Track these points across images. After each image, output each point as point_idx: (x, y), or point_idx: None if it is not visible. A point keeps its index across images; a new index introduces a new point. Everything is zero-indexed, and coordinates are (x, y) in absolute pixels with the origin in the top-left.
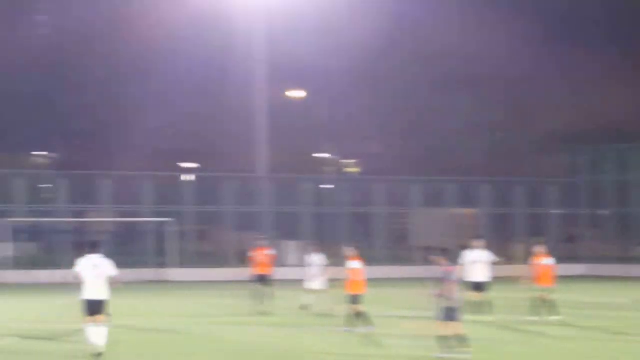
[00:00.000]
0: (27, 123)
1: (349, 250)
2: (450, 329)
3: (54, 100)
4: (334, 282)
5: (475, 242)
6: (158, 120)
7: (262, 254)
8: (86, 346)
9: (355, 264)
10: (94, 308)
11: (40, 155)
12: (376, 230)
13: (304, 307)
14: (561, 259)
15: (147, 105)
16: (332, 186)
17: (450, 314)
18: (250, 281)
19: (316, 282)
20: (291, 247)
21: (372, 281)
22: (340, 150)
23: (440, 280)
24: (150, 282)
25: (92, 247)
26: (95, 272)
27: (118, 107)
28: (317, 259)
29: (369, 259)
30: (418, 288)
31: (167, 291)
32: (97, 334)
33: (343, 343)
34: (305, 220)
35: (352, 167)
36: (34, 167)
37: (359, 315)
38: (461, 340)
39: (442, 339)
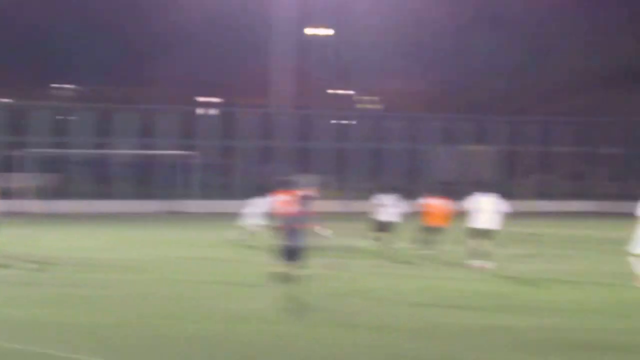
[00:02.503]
0: (50, 55)
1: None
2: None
3: (77, 32)
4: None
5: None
6: (181, 54)
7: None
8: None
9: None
10: None
11: (62, 88)
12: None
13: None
14: (568, 195)
15: (172, 40)
16: (351, 122)
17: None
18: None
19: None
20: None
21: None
22: (361, 87)
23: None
24: (170, 212)
25: None
26: None
27: (141, 41)
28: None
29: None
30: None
31: (187, 222)
32: None
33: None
34: (322, 156)
35: (372, 104)
36: (56, 99)
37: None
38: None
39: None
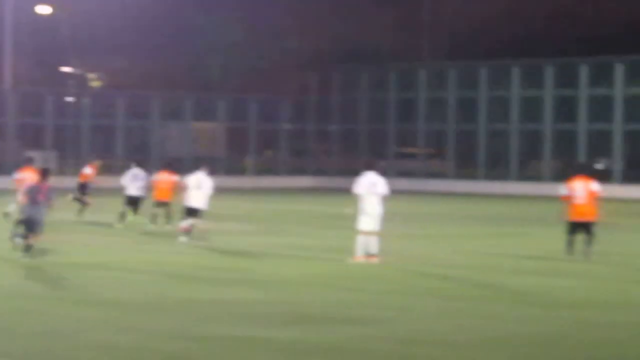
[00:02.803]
0: None
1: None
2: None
3: None
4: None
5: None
6: None
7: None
8: None
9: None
10: None
11: None
12: (118, 143)
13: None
14: (290, 171)
15: None
16: (74, 99)
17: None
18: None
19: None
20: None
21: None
22: (85, 64)
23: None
24: None
25: None
26: None
27: None
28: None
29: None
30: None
31: None
32: None
33: None
34: (48, 132)
35: (96, 81)
36: None
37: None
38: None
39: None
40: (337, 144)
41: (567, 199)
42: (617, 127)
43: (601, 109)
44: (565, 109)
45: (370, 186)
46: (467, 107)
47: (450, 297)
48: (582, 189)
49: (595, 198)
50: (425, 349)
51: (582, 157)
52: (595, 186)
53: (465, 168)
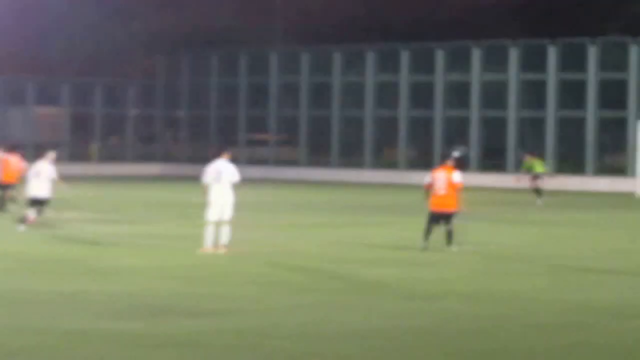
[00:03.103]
0: None
1: None
2: None
3: None
4: None
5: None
6: None
7: None
8: None
9: None
10: None
11: None
12: None
13: None
14: (137, 158)
15: None
16: None
17: None
18: None
19: None
20: None
21: None
22: None
23: None
24: None
25: None
26: None
27: None
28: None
29: None
30: None
31: None
32: None
33: None
34: None
35: None
36: None
37: None
38: None
39: None
40: (186, 130)
41: (429, 188)
42: (474, 113)
43: (458, 95)
44: (422, 95)
45: (219, 174)
46: (321, 92)
47: (305, 289)
48: (443, 179)
49: (456, 189)
50: (277, 341)
51: (438, 144)
52: (456, 177)
53: (319, 155)
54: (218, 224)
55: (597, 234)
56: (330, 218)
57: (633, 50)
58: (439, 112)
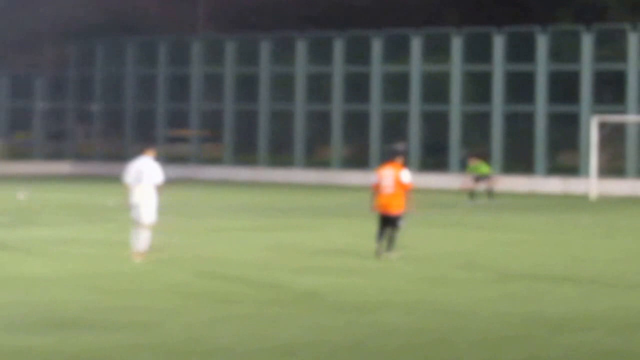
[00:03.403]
0: None
1: None
2: None
3: None
4: None
5: None
6: None
7: None
8: None
9: None
10: None
11: None
12: None
13: None
14: (46, 156)
15: None
16: None
17: None
18: None
19: None
20: None
21: None
22: None
23: None
24: None
25: None
26: None
27: None
28: None
29: None
30: None
31: None
32: None
33: None
34: None
35: None
36: None
37: None
38: None
39: None
40: (100, 126)
41: (376, 188)
42: (414, 107)
43: (396, 87)
44: (357, 88)
45: (140, 174)
46: (247, 84)
47: (230, 300)
48: (390, 177)
49: (403, 189)
50: (198, 358)
51: (375, 141)
52: (405, 176)
53: (245, 153)
54: (140, 228)
55: (548, 239)
56: (258, 221)
57: (586, 40)
58: (375, 106)
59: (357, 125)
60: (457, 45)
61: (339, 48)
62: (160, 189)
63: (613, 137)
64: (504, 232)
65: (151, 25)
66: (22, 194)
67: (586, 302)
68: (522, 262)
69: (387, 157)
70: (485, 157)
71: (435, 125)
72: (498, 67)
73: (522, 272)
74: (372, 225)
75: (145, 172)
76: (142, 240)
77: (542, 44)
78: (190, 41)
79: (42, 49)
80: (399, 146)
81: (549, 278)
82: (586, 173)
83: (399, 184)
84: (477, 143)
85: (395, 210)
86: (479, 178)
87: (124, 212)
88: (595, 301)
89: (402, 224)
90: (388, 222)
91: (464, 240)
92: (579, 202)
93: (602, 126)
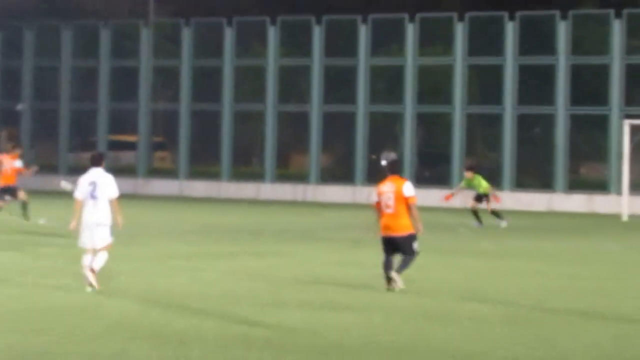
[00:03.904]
0: None
1: None
2: None
3: None
4: None
5: None
6: None
7: None
8: None
9: None
10: None
11: None
12: None
13: None
14: None
15: None
16: None
17: None
18: None
19: None
20: None
21: None
22: None
23: None
24: None
25: None
26: None
27: None
28: None
29: None
30: None
31: None
32: None
33: None
34: None
35: None
36: None
37: None
38: None
39: None
40: (28, 128)
41: (377, 208)
42: (409, 109)
43: (386, 84)
44: (339, 84)
45: (94, 188)
46: (207, 79)
47: (181, 340)
48: (391, 194)
49: (408, 205)
50: None
51: (360, 148)
52: (407, 189)
53: (203, 164)
54: (93, 252)
55: (567, 269)
56: (220, 246)
57: (615, 28)
58: (361, 108)
59: (338, 129)
60: (460, 33)
61: (317, 37)
62: (116, 205)
63: None
64: (514, 260)
65: (92, 9)
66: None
67: (619, 346)
68: (535, 296)
69: (380, 170)
70: (481, 168)
71: (434, 130)
72: (509, 60)
73: (535, 307)
74: (358, 251)
75: (99, 186)
76: (98, 260)
77: (562, 32)
78: (138, 27)
79: None
80: (388, 156)
81: (569, 315)
82: (616, 189)
83: (402, 200)
84: (480, 152)
85: (401, 231)
86: (480, 196)
87: (65, 233)
88: (630, 345)
89: (416, 246)
90: (395, 247)
91: (466, 269)
92: (607, 223)
93: (635, 132)
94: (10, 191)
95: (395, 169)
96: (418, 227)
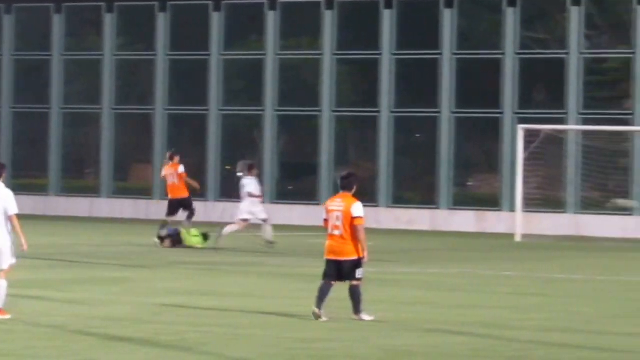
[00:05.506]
0: None
1: None
2: None
3: None
4: None
5: None
6: None
7: None
8: None
9: None
10: None
11: None
12: None
13: None
14: None
15: None
16: None
17: None
18: None
19: None
20: None
21: None
22: None
23: None
24: None
25: None
26: None
27: None
28: None
29: None
30: None
31: None
32: None
33: None
34: None
35: None
36: None
37: None
38: None
39: None
40: None
41: (325, 227)
42: (269, 110)
43: (243, 82)
44: (187, 83)
45: None
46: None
47: None
48: (339, 213)
49: (353, 226)
50: None
51: (212, 151)
52: (356, 209)
53: (28, 176)
54: None
55: (449, 298)
56: (55, 273)
57: (509, 15)
58: (213, 110)
59: (187, 135)
60: (329, 22)
61: (162, 25)
62: (17, 222)
63: (545, 153)
64: (395, 288)
65: None
66: None
67: None
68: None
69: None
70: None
71: (299, 136)
72: (386, 54)
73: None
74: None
75: None
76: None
77: (447, 21)
78: None
79: None
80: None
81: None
82: (509, 205)
83: (350, 221)
84: (353, 162)
85: (348, 255)
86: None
87: None
88: None
89: (360, 274)
90: (338, 273)
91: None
92: (499, 243)
93: (531, 139)
94: None
95: (348, 184)
96: (363, 254)
